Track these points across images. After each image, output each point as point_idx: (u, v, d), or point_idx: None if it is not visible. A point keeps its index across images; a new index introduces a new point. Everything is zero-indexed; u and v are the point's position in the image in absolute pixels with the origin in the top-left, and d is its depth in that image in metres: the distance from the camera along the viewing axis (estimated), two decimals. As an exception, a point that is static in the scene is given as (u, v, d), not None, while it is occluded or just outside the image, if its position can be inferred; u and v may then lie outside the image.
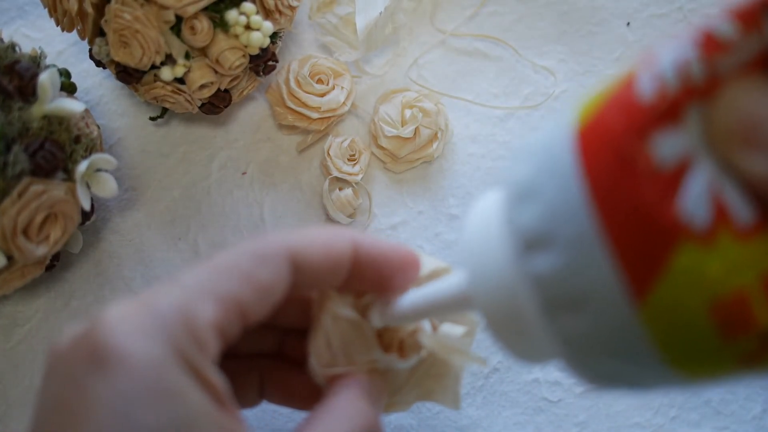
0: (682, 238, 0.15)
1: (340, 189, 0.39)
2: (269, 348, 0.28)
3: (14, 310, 0.37)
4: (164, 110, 0.40)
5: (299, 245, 0.23)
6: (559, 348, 0.18)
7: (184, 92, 0.36)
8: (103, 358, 0.19)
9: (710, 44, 0.15)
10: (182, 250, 0.39)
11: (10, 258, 0.32)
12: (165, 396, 0.19)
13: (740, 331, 0.15)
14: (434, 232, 0.39)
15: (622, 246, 0.16)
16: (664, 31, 0.44)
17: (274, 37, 0.37)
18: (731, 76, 0.15)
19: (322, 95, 0.39)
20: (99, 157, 0.33)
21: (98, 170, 0.34)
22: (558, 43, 0.43)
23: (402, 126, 0.39)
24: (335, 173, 0.39)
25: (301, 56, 0.40)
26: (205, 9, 0.33)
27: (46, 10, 0.36)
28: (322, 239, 0.24)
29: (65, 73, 0.38)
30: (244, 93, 0.39)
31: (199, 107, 0.38)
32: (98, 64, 0.37)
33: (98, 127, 0.36)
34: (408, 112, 0.39)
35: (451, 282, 0.23)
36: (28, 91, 0.32)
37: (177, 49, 0.34)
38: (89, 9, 0.34)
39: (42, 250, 0.32)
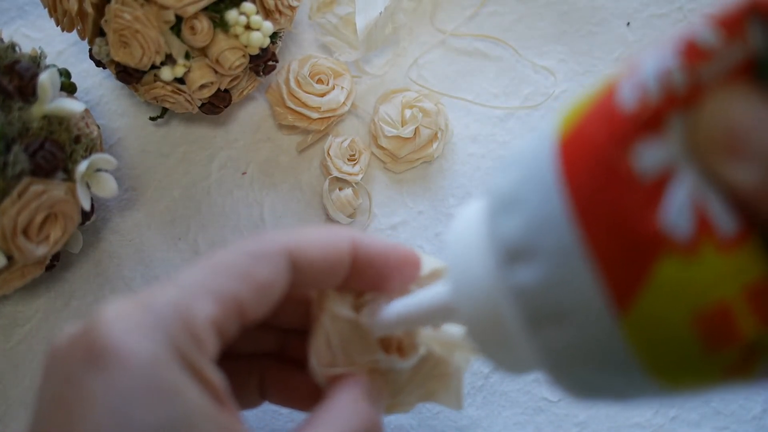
0: (664, 250, 0.15)
1: (340, 189, 0.39)
2: (270, 348, 0.28)
3: (14, 310, 0.37)
4: (164, 110, 0.40)
5: (298, 244, 0.23)
6: (542, 360, 0.18)
7: (184, 92, 0.36)
8: (101, 356, 0.19)
9: (692, 52, 0.15)
10: (182, 250, 0.39)
11: (10, 258, 0.32)
12: (163, 394, 0.19)
13: (723, 343, 0.15)
14: (434, 232, 0.39)
15: (603, 258, 0.16)
16: (664, 31, 0.44)
17: (274, 37, 0.37)
18: (714, 85, 0.15)
19: (322, 95, 0.39)
20: (99, 157, 0.33)
21: (98, 170, 0.34)
22: (558, 43, 0.43)
23: (402, 126, 0.39)
24: (335, 173, 0.39)
25: (301, 56, 0.40)
26: (205, 9, 0.33)
27: (46, 10, 0.36)
28: (321, 238, 0.24)
29: (65, 73, 0.38)
30: (244, 93, 0.39)
31: (199, 107, 0.38)
32: (98, 64, 0.37)
33: (98, 127, 0.36)
34: (408, 112, 0.39)
35: (435, 292, 0.23)
36: (28, 91, 0.32)
37: (177, 49, 0.34)
38: (89, 9, 0.34)
39: (42, 250, 0.32)
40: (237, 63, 0.35)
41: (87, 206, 0.33)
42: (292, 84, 0.39)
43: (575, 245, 0.16)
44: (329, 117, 0.40)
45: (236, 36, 0.34)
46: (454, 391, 0.27)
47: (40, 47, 0.35)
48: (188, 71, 0.35)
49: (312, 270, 0.23)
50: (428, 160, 0.40)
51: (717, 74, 0.15)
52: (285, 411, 0.35)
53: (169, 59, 0.35)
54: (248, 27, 0.34)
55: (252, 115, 0.41)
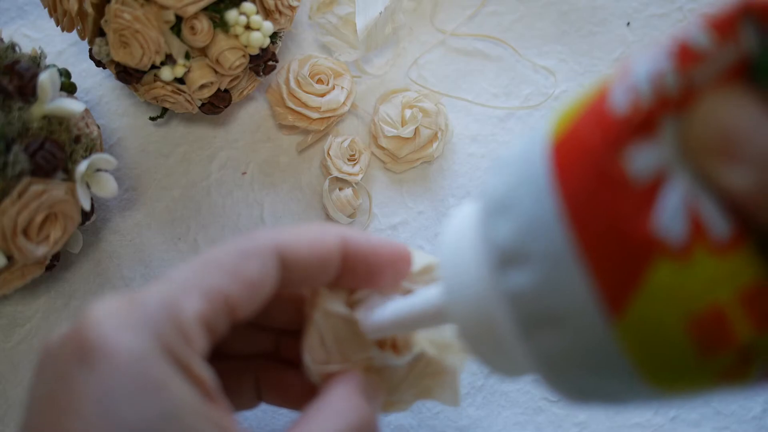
0: (657, 254, 0.15)
1: (340, 189, 0.39)
2: (265, 349, 0.28)
3: (14, 310, 0.37)
4: (164, 110, 0.40)
5: (286, 241, 0.23)
6: (536, 364, 0.18)
7: (184, 92, 0.36)
8: (89, 353, 0.20)
9: (685, 55, 0.15)
10: (182, 250, 0.39)
11: (10, 258, 0.32)
12: (150, 389, 0.19)
13: (718, 347, 0.15)
14: (434, 232, 0.39)
15: (596, 262, 0.16)
16: (664, 31, 0.44)
17: (274, 37, 0.37)
18: (707, 88, 0.15)
19: (322, 95, 0.39)
20: (99, 157, 0.33)
21: (98, 170, 0.34)
22: (558, 43, 0.43)
23: (402, 126, 0.39)
24: (335, 173, 0.39)
25: (301, 56, 0.40)
26: (205, 9, 0.33)
27: (46, 10, 0.36)
28: (309, 235, 0.24)
29: (65, 73, 0.38)
30: (244, 93, 0.39)
31: (199, 107, 0.38)
32: (98, 64, 0.37)
33: (98, 127, 0.36)
34: (408, 112, 0.39)
35: (428, 296, 0.23)
36: (28, 91, 0.32)
37: (177, 49, 0.34)
38: (89, 9, 0.34)
39: (42, 250, 0.32)
40: (237, 63, 0.35)
41: (87, 206, 0.33)
42: (292, 84, 0.39)
43: (568, 249, 0.16)
44: (329, 117, 0.39)
45: (236, 36, 0.34)
46: (450, 388, 0.27)
47: (40, 47, 0.35)
48: (188, 71, 0.35)
49: (302, 267, 0.23)
50: (428, 160, 0.40)
51: (710, 77, 0.15)
52: (285, 411, 0.35)
53: (169, 59, 0.35)
54: (248, 27, 0.34)
55: (252, 115, 0.41)
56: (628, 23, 0.44)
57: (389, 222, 0.39)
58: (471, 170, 0.40)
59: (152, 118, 0.40)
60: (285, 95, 0.39)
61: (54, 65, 0.35)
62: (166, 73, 0.35)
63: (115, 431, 0.19)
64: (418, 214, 0.39)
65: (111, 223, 0.39)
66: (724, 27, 0.14)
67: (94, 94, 0.41)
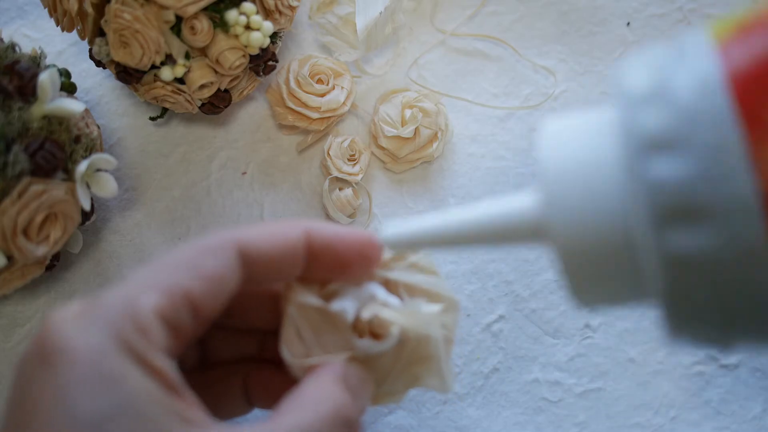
0: None
1: (340, 189, 0.39)
2: (250, 352, 0.28)
3: (14, 310, 0.37)
4: (164, 110, 0.40)
5: (247, 235, 0.23)
6: (659, 272, 0.17)
7: (184, 92, 0.36)
8: (47, 353, 0.20)
9: None
10: (182, 250, 0.39)
11: (10, 258, 0.32)
12: (105, 382, 0.20)
13: None
14: (434, 232, 0.39)
15: (765, 161, 0.15)
16: (665, 31, 0.44)
17: (274, 37, 0.37)
18: None
19: (322, 95, 0.39)
20: (99, 157, 0.33)
21: (98, 170, 0.34)
22: (558, 43, 0.43)
23: (402, 126, 0.39)
24: (335, 173, 0.39)
25: (301, 56, 0.40)
26: (205, 9, 0.33)
27: (46, 10, 0.36)
28: (271, 229, 0.24)
29: (65, 73, 0.38)
30: (244, 93, 0.39)
31: (199, 107, 0.38)
32: (98, 64, 0.37)
33: (98, 127, 0.36)
34: (408, 112, 0.39)
35: (517, 203, 0.20)
36: (28, 91, 0.32)
37: (177, 49, 0.34)
38: (89, 9, 0.34)
39: (42, 250, 0.32)
40: (237, 63, 0.35)
41: (87, 206, 0.33)
42: (292, 84, 0.39)
43: (737, 142, 0.16)
44: (329, 117, 0.40)
45: (236, 36, 0.34)
46: (437, 373, 0.26)
47: (40, 47, 0.35)
48: (188, 71, 0.35)
49: (264, 260, 0.23)
50: (428, 160, 0.40)
51: None
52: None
53: (169, 59, 0.35)
54: (248, 27, 0.34)
55: (252, 115, 0.41)
56: (628, 23, 0.44)
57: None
58: (471, 170, 0.40)
59: (152, 118, 0.40)
60: (285, 95, 0.39)
61: (54, 65, 0.35)
62: (166, 73, 0.35)
63: (73, 424, 0.19)
64: (418, 214, 0.39)
65: (111, 223, 0.39)
66: None
67: (94, 94, 0.41)
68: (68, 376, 0.20)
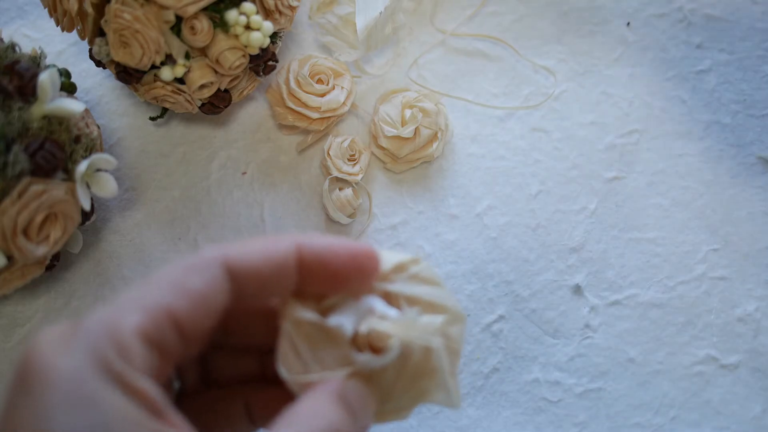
0: None
1: (340, 189, 0.39)
2: (251, 371, 0.28)
3: (14, 310, 0.37)
4: (164, 110, 0.40)
5: (234, 252, 0.23)
6: None
7: (184, 92, 0.36)
8: (27, 377, 0.20)
9: None
10: (182, 250, 0.39)
11: (10, 258, 0.32)
12: (83, 403, 0.20)
13: None
14: (434, 232, 0.39)
15: None
16: (665, 31, 0.44)
17: (274, 37, 0.37)
18: None
19: (322, 95, 0.39)
20: (99, 157, 0.33)
21: (98, 170, 0.34)
22: (558, 43, 0.43)
23: (402, 126, 0.39)
24: (335, 173, 0.39)
25: (301, 56, 0.40)
26: (205, 9, 0.33)
27: (46, 10, 0.36)
28: (259, 245, 0.23)
29: (65, 73, 0.38)
30: (244, 93, 0.39)
31: (199, 107, 0.38)
32: (98, 64, 0.37)
33: (98, 127, 0.36)
34: (408, 112, 0.39)
35: None
36: (28, 91, 0.32)
37: (177, 49, 0.34)
38: (89, 9, 0.34)
39: (42, 250, 0.32)
40: (237, 63, 0.35)
41: (87, 206, 0.33)
42: (292, 84, 0.39)
43: None
44: (329, 117, 0.39)
45: (236, 36, 0.34)
46: (445, 388, 0.25)
47: (40, 47, 0.35)
48: (188, 71, 0.35)
49: (254, 277, 0.23)
50: (428, 160, 0.40)
51: None
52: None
53: (169, 59, 0.35)
54: (248, 27, 0.34)
55: (252, 115, 0.41)
56: (628, 23, 0.44)
57: (389, 222, 0.39)
58: (471, 170, 0.40)
59: (152, 118, 0.40)
60: (285, 95, 0.39)
61: (54, 65, 0.35)
62: (166, 73, 0.35)
63: None
64: (418, 214, 0.39)
65: (111, 223, 0.39)
66: None
67: (94, 94, 0.41)
68: (46, 399, 0.20)
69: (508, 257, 0.39)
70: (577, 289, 0.38)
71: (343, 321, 0.24)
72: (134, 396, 0.20)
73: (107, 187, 0.34)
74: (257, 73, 0.39)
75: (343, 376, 0.24)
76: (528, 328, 0.37)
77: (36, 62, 0.33)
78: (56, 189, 0.31)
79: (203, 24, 0.33)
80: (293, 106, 0.39)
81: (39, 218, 0.31)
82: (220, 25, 0.34)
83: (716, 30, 0.44)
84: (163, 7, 0.32)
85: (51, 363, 0.20)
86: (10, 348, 0.37)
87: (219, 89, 0.37)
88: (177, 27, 0.34)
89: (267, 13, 0.36)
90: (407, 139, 0.39)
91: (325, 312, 0.25)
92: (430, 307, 0.25)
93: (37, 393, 0.20)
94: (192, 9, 0.32)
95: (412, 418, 0.35)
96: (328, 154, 0.39)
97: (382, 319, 0.24)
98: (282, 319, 0.24)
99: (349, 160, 0.39)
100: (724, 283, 0.39)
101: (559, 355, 0.37)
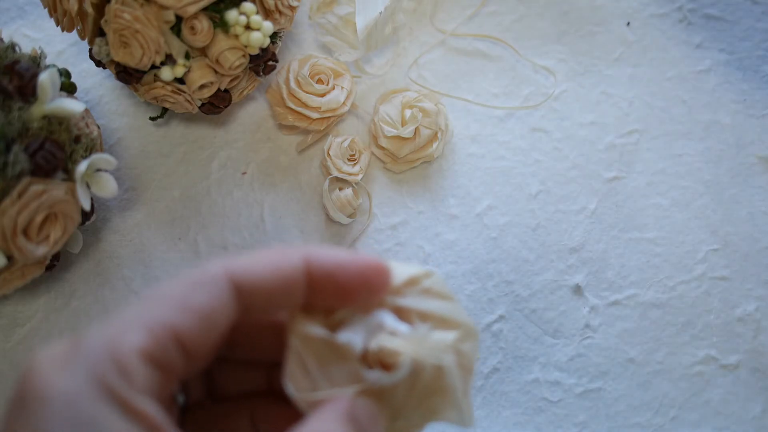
0: None
1: (340, 189, 0.39)
2: (258, 386, 0.28)
3: (14, 310, 0.37)
4: (164, 110, 0.40)
5: (241, 267, 0.22)
6: None
7: (184, 92, 0.36)
8: (26, 398, 0.20)
9: None
10: (182, 250, 0.39)
11: (10, 258, 0.32)
12: (80, 424, 0.19)
13: None
14: (434, 232, 0.39)
15: None
16: (665, 31, 0.44)
17: (274, 37, 0.37)
18: None
19: (322, 95, 0.39)
20: (99, 157, 0.33)
21: (98, 170, 0.34)
22: (558, 43, 0.43)
23: (402, 126, 0.39)
24: (335, 173, 0.39)
25: (301, 56, 0.40)
26: (205, 9, 0.33)
27: (46, 10, 0.36)
28: (267, 258, 0.23)
29: (65, 73, 0.38)
30: (244, 93, 0.39)
31: (199, 107, 0.38)
32: (98, 64, 0.37)
33: (98, 127, 0.36)
34: (408, 112, 0.39)
35: None
36: (28, 91, 0.32)
37: (177, 49, 0.34)
38: (89, 9, 0.34)
39: (42, 250, 0.32)
40: (237, 63, 0.35)
41: (87, 206, 0.33)
42: (292, 84, 0.39)
43: None
44: (329, 117, 0.40)
45: (236, 36, 0.34)
46: (457, 406, 0.24)
47: (40, 47, 0.35)
48: (188, 71, 0.35)
49: (261, 292, 0.23)
50: (428, 160, 0.40)
51: None
52: None
53: (169, 59, 0.35)
54: (248, 27, 0.34)
55: (252, 115, 0.41)
56: (628, 23, 0.44)
57: (389, 222, 0.39)
58: (471, 170, 0.40)
59: (152, 118, 0.40)
60: (285, 95, 0.39)
61: (54, 65, 0.35)
62: (166, 73, 0.35)
63: None
64: (418, 214, 0.39)
65: (111, 223, 0.39)
66: None
67: (94, 94, 0.41)
68: (45, 420, 0.19)
69: (508, 257, 0.39)
70: (577, 289, 0.38)
71: (353, 337, 0.24)
72: (134, 417, 0.20)
73: (107, 187, 0.34)
74: (257, 73, 0.39)
75: (352, 394, 0.23)
76: (528, 328, 0.37)
77: (36, 62, 0.33)
78: (56, 189, 0.31)
79: (203, 24, 0.33)
80: (293, 106, 0.39)
81: (39, 218, 0.31)
82: (220, 25, 0.34)
83: (716, 30, 0.44)
84: (163, 7, 0.32)
85: (50, 383, 0.20)
86: (10, 348, 0.37)
87: (219, 89, 0.37)
88: (177, 27, 0.34)
89: (267, 13, 0.36)
90: (407, 139, 0.39)
91: (334, 326, 0.24)
92: (442, 322, 0.25)
93: (35, 413, 0.20)
94: (192, 9, 0.32)
95: (412, 418, 0.35)
96: (328, 154, 0.39)
97: (392, 335, 0.24)
98: (289, 335, 0.24)
99: (349, 160, 0.39)
100: (724, 283, 0.39)
101: (559, 355, 0.37)
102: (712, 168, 0.41)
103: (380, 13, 0.39)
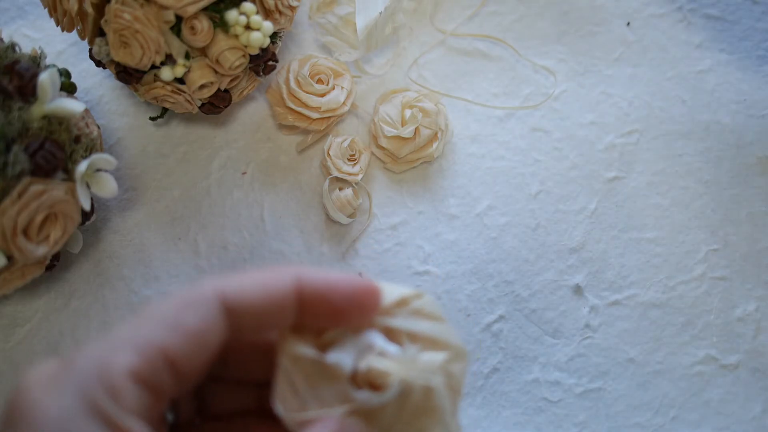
0: None
1: (340, 189, 0.39)
2: (248, 405, 0.27)
3: (14, 310, 0.37)
4: (164, 110, 0.40)
5: (231, 287, 0.23)
6: None
7: (184, 92, 0.36)
8: (15, 417, 0.20)
9: None
10: (182, 250, 0.39)
11: (10, 258, 0.32)
12: None
13: None
14: (434, 232, 0.39)
15: None
16: (665, 31, 0.44)
17: (274, 37, 0.37)
18: None
19: (322, 95, 0.39)
20: (99, 157, 0.33)
21: (98, 170, 0.34)
22: (558, 43, 0.43)
23: (402, 126, 0.39)
24: (335, 173, 0.39)
25: (301, 56, 0.40)
26: (205, 9, 0.33)
27: (46, 10, 0.36)
28: (257, 279, 0.23)
29: (65, 73, 0.38)
30: (244, 93, 0.39)
31: (199, 107, 0.38)
32: (98, 64, 0.37)
33: (98, 127, 0.36)
34: (408, 112, 0.39)
35: None
36: (28, 91, 0.32)
37: (177, 49, 0.34)
38: (89, 9, 0.34)
39: (42, 250, 0.32)
40: (237, 63, 0.35)
41: (87, 206, 0.33)
42: (292, 84, 0.39)
43: None
44: (329, 117, 0.40)
45: (236, 36, 0.34)
46: (445, 426, 0.25)
47: (40, 47, 0.35)
48: (188, 71, 0.35)
49: (252, 312, 0.23)
50: (428, 160, 0.40)
51: None
52: None
53: (169, 59, 0.35)
54: (248, 27, 0.34)
55: (252, 115, 0.41)
56: (628, 23, 0.44)
57: (389, 222, 0.39)
58: (471, 170, 0.40)
59: (152, 118, 0.40)
60: (285, 95, 0.39)
61: (54, 65, 0.35)
62: (166, 73, 0.35)
63: None
64: (418, 214, 0.39)
65: (111, 223, 0.39)
66: None
67: (94, 94, 0.41)
68: None
69: (508, 257, 0.39)
70: (577, 289, 0.38)
71: (342, 357, 0.24)
72: None
73: (107, 187, 0.34)
74: (257, 73, 0.39)
75: (342, 414, 0.23)
76: (528, 328, 0.37)
77: (36, 62, 0.33)
78: (56, 189, 0.31)
79: (203, 24, 0.33)
80: (293, 106, 0.39)
81: (39, 218, 0.31)
82: (220, 25, 0.34)
83: (716, 30, 0.44)
84: (163, 7, 0.32)
85: (40, 403, 0.20)
86: (10, 348, 0.37)
87: (219, 89, 0.37)
88: (177, 27, 0.34)
89: (267, 13, 0.36)
90: (407, 139, 0.39)
91: (323, 346, 0.24)
92: (432, 343, 0.25)
93: None
94: (192, 9, 0.32)
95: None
96: (328, 154, 0.39)
97: (381, 355, 0.24)
98: (279, 355, 0.24)
99: (349, 160, 0.39)
100: (724, 283, 0.39)
101: (559, 355, 0.37)
102: (712, 168, 0.41)
103: (380, 13, 0.39)
